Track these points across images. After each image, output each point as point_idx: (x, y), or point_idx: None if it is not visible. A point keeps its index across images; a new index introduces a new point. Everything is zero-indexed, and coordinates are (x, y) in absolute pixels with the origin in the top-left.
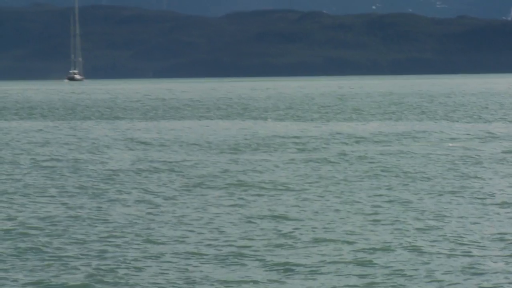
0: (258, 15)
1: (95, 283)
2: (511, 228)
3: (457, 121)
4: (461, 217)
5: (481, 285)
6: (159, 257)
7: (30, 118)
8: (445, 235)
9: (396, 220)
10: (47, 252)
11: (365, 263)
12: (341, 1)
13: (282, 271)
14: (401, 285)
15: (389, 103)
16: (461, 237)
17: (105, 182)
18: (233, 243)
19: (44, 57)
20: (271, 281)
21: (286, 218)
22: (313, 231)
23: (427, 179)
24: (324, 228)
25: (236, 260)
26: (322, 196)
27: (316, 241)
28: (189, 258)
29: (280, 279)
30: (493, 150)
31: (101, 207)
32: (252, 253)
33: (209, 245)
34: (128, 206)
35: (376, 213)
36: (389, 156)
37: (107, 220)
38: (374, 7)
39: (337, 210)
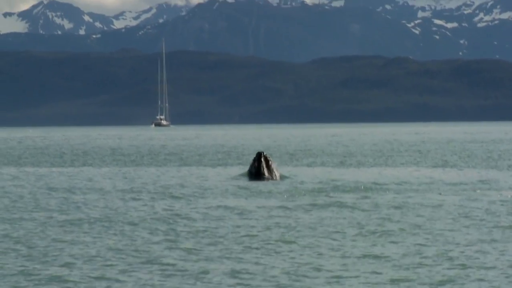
0: (344, 61)
1: None
2: None
3: None
4: None
5: None
6: None
7: (118, 164)
8: None
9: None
10: None
11: None
12: (427, 47)
13: None
14: None
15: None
16: None
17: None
18: None
19: (131, 102)
20: None
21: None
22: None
23: None
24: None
25: None
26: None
27: None
28: None
29: None
30: None
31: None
32: None
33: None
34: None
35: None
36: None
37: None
38: (460, 53)
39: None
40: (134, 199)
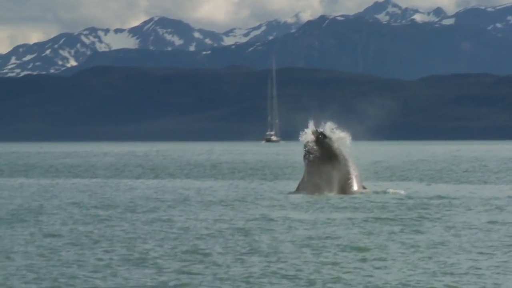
0: (454, 79)
1: None
2: None
3: None
4: None
5: None
6: None
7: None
8: None
9: None
10: None
11: None
12: None
13: None
14: None
15: None
16: None
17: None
18: None
19: (240, 118)
20: None
21: None
22: None
23: None
24: None
25: None
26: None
27: None
28: None
29: None
30: None
31: None
32: None
33: None
34: None
35: None
36: None
37: None
38: None
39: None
40: None
